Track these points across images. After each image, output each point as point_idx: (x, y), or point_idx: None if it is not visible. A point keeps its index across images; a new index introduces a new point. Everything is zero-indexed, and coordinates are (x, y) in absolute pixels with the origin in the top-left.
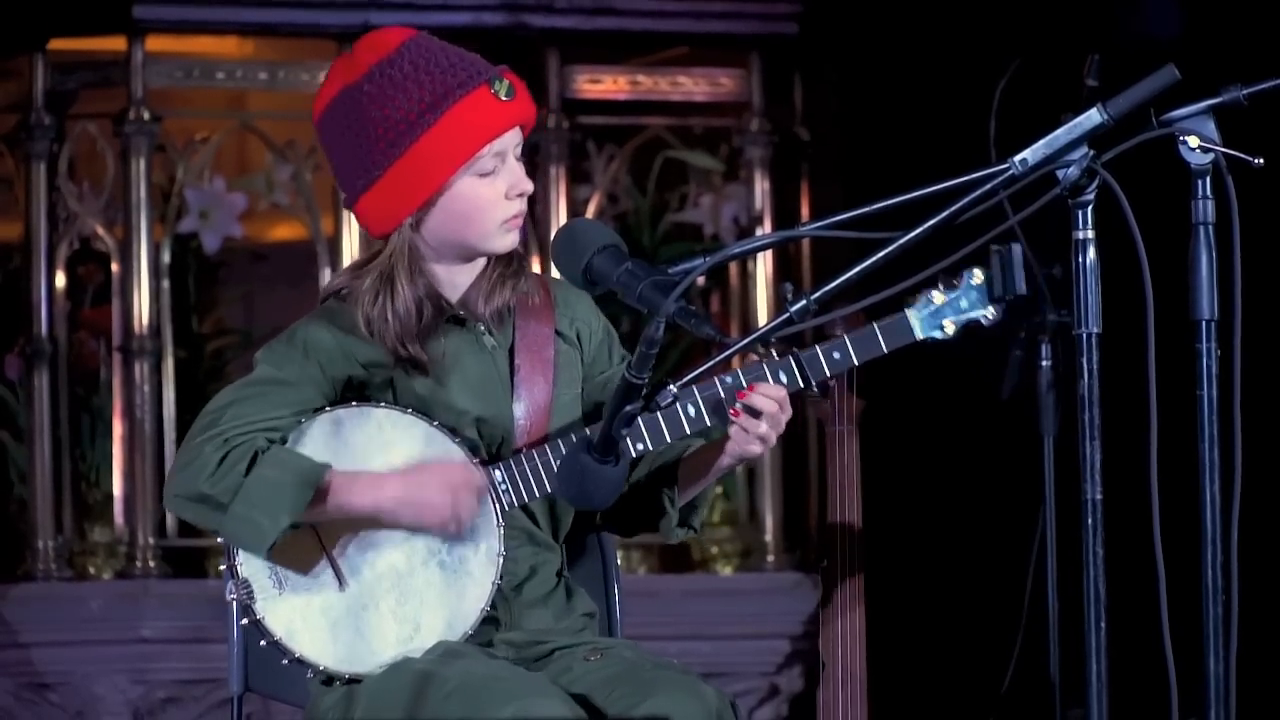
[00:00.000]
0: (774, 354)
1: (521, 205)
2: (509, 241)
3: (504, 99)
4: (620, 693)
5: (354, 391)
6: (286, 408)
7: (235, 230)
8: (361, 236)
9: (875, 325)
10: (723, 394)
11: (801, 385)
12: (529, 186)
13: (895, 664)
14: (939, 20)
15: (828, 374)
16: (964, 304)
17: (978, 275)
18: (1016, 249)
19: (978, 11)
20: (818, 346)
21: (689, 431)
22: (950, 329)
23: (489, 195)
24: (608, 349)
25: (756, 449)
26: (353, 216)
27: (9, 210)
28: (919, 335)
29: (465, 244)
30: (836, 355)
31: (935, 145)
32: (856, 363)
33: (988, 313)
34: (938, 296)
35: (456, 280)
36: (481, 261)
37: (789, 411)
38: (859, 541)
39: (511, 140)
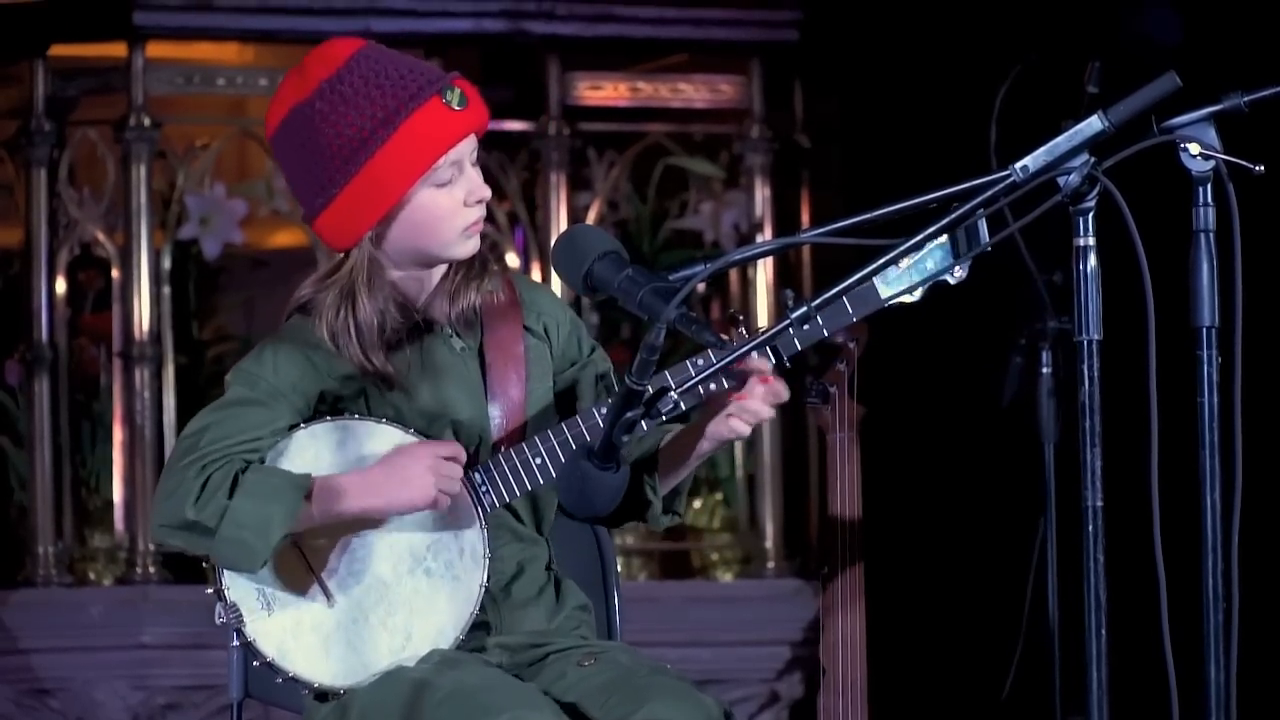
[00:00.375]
0: (744, 333)
1: (481, 211)
2: (470, 248)
3: (456, 108)
4: (615, 700)
5: (327, 405)
6: (263, 426)
7: (235, 236)
8: None
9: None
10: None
11: (773, 361)
12: (487, 192)
13: (896, 671)
14: (939, 27)
15: (798, 347)
16: (929, 265)
17: (942, 235)
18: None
19: (978, 18)
20: None
21: (665, 419)
22: (918, 291)
23: (448, 204)
24: (576, 340)
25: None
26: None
27: (9, 216)
28: (885, 300)
29: (427, 253)
30: (806, 327)
31: (936, 152)
32: (826, 333)
33: (954, 271)
34: (904, 260)
35: (419, 287)
36: (444, 266)
37: None
38: (859, 548)
39: (467, 148)
